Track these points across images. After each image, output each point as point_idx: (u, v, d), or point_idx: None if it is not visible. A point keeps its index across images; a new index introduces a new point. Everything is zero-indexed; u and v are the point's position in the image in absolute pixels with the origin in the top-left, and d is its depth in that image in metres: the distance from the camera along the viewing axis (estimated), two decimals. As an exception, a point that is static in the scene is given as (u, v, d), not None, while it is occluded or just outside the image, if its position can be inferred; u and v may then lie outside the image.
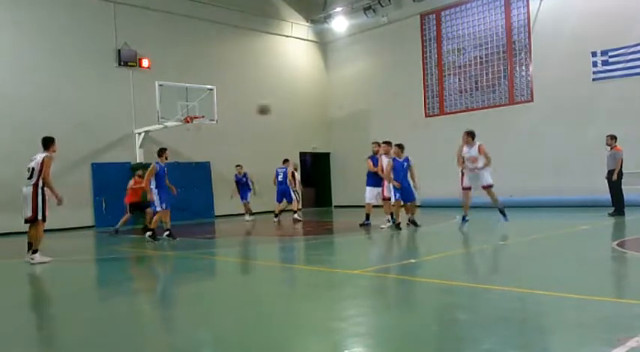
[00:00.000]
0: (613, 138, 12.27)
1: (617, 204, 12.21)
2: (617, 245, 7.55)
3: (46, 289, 7.13)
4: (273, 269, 7.57)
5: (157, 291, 6.45)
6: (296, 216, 15.05)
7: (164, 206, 10.63)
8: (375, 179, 11.79)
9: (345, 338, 3.91)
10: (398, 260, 8.07)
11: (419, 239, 10.20)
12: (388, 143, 11.57)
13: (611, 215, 12.00)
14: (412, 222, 11.29)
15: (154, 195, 10.55)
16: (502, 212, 11.01)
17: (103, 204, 15.88)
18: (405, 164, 11.09)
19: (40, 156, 8.35)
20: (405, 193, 10.99)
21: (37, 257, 8.31)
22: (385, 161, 11.33)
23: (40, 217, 8.26)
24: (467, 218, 11.26)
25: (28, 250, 8.38)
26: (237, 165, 16.12)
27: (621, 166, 12.05)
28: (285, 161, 15.55)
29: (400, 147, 11.14)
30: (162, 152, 10.85)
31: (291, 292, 5.95)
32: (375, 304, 5.07)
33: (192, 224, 15.49)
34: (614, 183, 12.17)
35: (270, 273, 7.22)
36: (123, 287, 6.72)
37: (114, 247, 10.84)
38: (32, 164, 8.27)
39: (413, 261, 7.46)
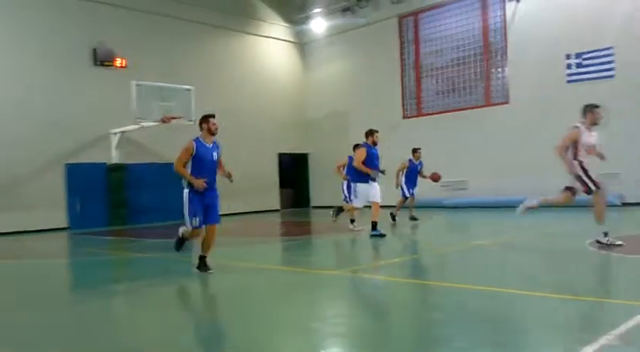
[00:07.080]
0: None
1: None
2: (590, 244, 7.68)
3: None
4: (253, 271, 7.52)
5: (132, 293, 6.36)
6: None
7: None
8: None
9: (324, 339, 3.92)
10: (376, 260, 8.11)
11: (395, 240, 10.24)
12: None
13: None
14: None
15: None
16: None
17: (78, 206, 15.62)
18: None
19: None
20: None
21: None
22: None
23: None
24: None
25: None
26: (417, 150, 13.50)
27: None
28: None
29: None
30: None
31: (270, 293, 5.92)
32: (351, 304, 5.08)
33: (166, 225, 15.30)
34: None
35: (250, 275, 7.17)
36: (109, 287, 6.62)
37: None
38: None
39: (397, 260, 7.50)
